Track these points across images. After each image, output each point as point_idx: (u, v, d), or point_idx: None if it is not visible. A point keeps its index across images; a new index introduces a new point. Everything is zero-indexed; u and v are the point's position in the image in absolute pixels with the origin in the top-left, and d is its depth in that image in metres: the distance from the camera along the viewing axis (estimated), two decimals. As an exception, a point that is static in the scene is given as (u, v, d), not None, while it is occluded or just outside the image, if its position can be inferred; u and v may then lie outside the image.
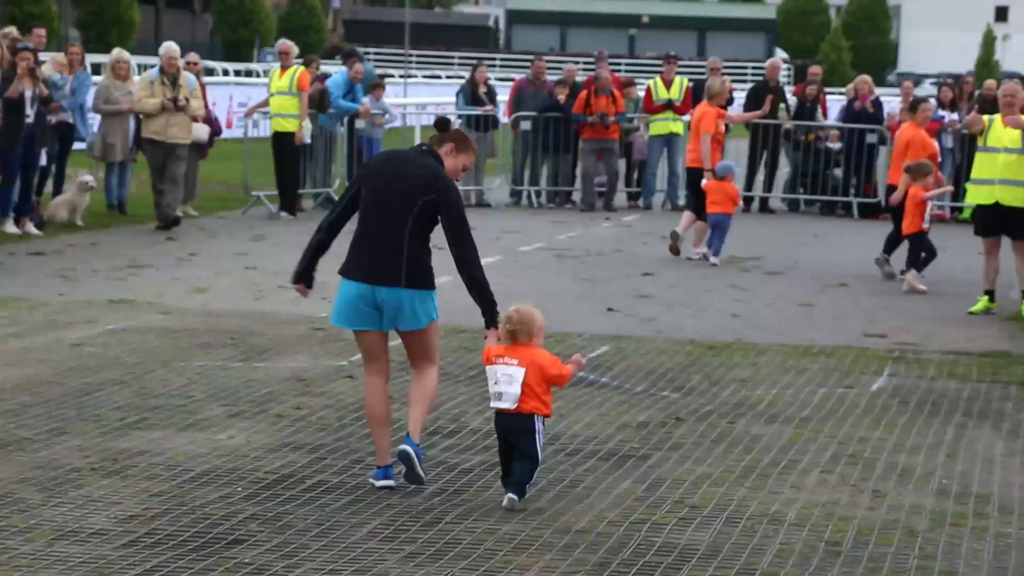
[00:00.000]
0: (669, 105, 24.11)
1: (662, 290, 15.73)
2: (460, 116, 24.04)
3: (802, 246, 19.92)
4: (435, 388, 8.27)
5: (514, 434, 7.89)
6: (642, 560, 7.13)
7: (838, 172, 24.47)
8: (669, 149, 24.27)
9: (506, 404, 7.89)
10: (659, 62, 30.12)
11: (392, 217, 7.98)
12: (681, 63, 25.32)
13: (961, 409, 10.68)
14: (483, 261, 8.28)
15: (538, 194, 24.66)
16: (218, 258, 17.02)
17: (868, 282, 16.87)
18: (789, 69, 67.06)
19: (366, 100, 23.53)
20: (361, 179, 8.18)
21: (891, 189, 17.38)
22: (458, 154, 8.18)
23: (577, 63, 29.88)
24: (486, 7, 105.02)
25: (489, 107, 24.28)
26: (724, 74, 25.45)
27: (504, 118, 25.94)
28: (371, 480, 8.23)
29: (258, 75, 41.99)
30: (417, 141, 26.80)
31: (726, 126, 19.64)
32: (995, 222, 14.89)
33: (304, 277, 8.33)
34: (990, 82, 24.92)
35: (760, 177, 24.93)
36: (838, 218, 24.04)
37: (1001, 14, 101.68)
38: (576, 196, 24.52)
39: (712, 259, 17.83)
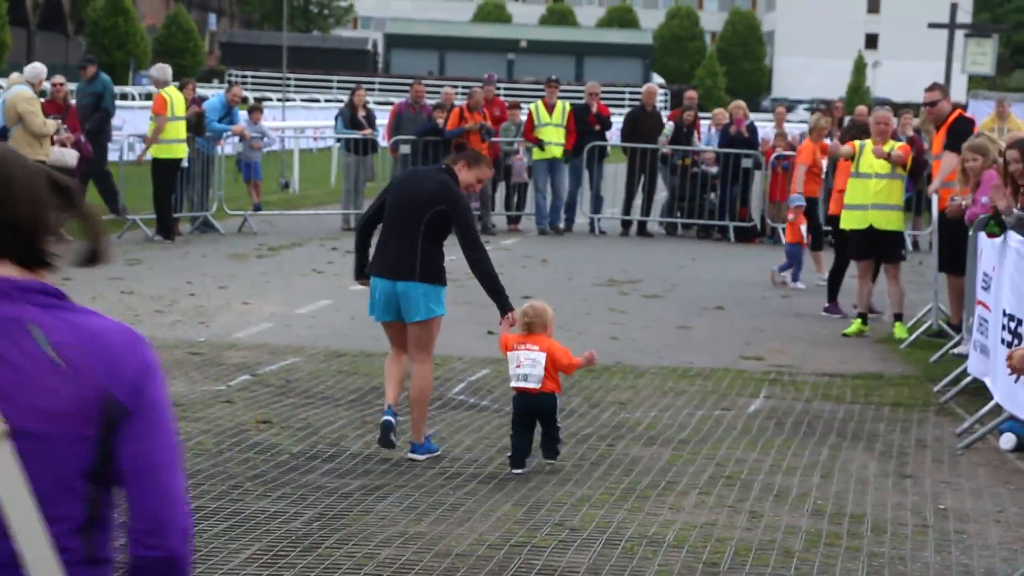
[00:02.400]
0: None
1: (541, 313, 15.76)
2: (339, 139, 23.94)
3: (680, 269, 20.09)
4: (430, 386, 9.54)
5: (540, 412, 9.17)
6: (522, 583, 7.14)
7: (714, 196, 24.74)
8: (552, 174, 24.36)
9: (532, 384, 9.14)
10: (538, 87, 30.21)
11: (409, 223, 9.29)
12: (560, 87, 25.42)
13: (835, 430, 10.83)
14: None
15: (417, 218, 24.60)
16: (93, 282, 16.77)
17: (745, 305, 17.07)
18: (666, 94, 67.78)
19: (243, 122, 23.42)
20: (387, 191, 9.54)
21: (832, 219, 16.44)
22: (470, 168, 9.45)
23: (455, 87, 29.95)
24: (364, 31, 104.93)
25: (368, 131, 24.23)
26: (602, 99, 25.71)
27: (383, 141, 25.90)
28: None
29: (134, 98, 41.54)
30: (296, 165, 26.73)
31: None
32: (868, 246, 15.13)
33: (363, 274, 9.60)
34: (861, 108, 25.37)
35: (638, 201, 25.14)
36: (715, 242, 24.30)
37: (871, 41, 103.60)
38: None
39: (792, 283, 18.70)
